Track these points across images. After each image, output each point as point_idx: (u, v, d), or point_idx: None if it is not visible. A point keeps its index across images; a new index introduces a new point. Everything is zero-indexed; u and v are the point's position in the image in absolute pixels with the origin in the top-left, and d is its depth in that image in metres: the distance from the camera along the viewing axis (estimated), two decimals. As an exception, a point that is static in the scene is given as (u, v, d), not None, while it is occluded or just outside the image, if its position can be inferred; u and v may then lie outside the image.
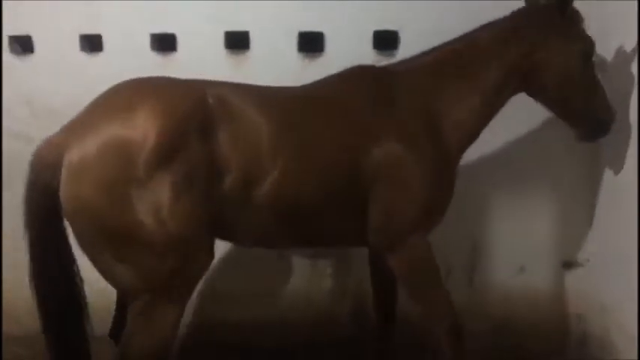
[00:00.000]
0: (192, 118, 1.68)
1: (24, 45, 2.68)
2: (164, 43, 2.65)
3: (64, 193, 1.61)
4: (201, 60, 2.62)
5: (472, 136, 2.07)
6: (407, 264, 1.94)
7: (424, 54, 2.07)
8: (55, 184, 1.62)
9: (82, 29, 2.65)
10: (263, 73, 2.55)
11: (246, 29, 2.64)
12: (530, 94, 2.15)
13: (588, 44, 2.07)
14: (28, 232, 1.69)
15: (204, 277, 1.84)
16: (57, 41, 2.65)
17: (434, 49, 2.06)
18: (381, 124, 1.87)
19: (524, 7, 2.12)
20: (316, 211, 1.86)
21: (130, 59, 2.61)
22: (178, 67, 2.62)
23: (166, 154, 1.60)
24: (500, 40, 2.01)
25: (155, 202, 1.59)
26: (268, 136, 1.77)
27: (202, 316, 2.73)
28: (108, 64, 2.63)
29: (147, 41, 2.64)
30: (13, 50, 2.68)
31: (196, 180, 1.65)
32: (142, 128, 1.60)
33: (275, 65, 2.61)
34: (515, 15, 2.08)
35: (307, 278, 2.81)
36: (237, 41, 2.64)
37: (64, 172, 1.60)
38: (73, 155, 1.60)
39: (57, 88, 2.64)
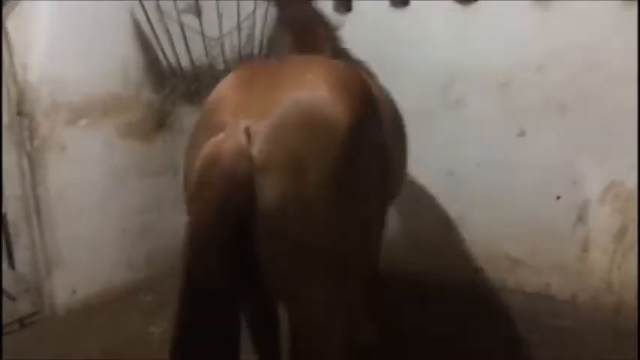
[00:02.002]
0: (367, 96, 1.37)
1: (346, 5, 3.01)
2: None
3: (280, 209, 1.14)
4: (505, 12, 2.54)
5: None
6: None
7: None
8: (249, 204, 1.13)
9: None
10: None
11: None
12: None
13: None
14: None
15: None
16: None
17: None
18: None
19: None
20: None
21: (432, 13, 2.69)
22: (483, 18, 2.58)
23: (359, 142, 1.23)
24: None
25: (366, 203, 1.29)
26: (387, 113, 1.63)
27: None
28: (413, 18, 2.75)
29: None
30: (337, 9, 3.03)
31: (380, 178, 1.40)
32: (341, 106, 1.21)
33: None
34: None
35: (609, 255, 2.46)
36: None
37: (271, 182, 1.13)
38: (277, 150, 1.15)
39: (370, 41, 2.86)
